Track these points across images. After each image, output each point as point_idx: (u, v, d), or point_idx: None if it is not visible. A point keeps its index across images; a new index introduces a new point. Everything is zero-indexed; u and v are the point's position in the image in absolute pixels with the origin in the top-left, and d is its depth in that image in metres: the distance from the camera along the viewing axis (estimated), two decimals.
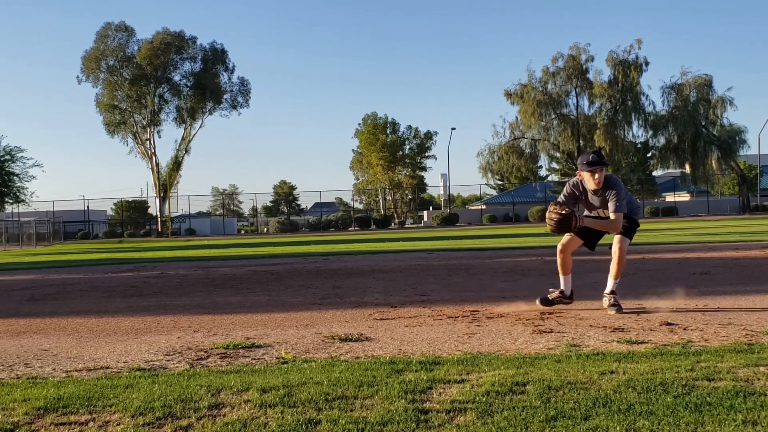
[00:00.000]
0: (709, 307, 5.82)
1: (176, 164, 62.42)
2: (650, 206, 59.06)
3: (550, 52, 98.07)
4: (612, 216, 5.64)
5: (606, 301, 5.76)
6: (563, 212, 5.60)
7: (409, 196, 73.00)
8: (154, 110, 61.23)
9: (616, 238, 5.72)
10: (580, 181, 5.80)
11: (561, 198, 5.89)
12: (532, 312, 5.87)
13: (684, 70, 55.93)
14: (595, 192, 5.72)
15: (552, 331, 4.91)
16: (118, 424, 2.92)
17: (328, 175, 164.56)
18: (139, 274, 12.35)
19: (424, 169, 71.89)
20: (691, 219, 44.71)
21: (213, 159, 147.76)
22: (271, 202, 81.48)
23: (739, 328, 4.78)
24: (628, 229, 5.80)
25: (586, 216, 5.89)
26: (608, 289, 5.77)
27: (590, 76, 55.04)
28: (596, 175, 5.61)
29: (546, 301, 5.95)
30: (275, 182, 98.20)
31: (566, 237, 5.90)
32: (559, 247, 5.97)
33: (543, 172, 72.34)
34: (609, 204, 5.66)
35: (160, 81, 61.09)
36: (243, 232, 71.14)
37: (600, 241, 6.10)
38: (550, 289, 6.03)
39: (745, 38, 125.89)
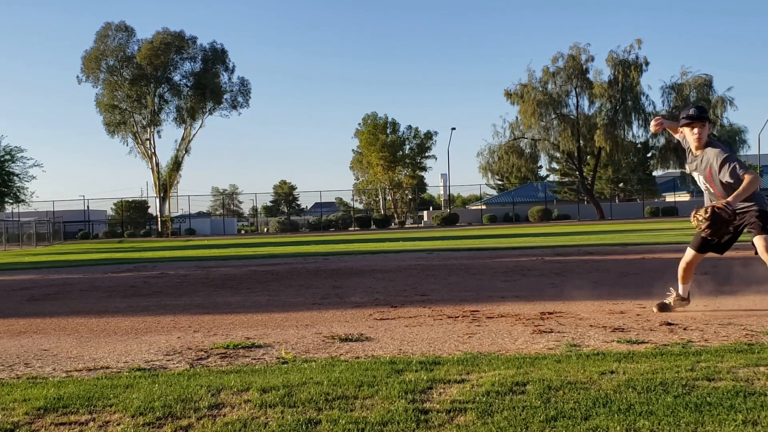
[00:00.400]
0: (709, 307, 5.82)
1: (176, 164, 62.44)
2: (650, 206, 59.08)
3: (550, 52, 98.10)
4: (744, 179, 4.85)
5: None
6: (709, 213, 4.96)
7: (409, 196, 73.01)
8: (154, 110, 61.24)
9: (759, 239, 5.13)
10: (683, 138, 5.25)
11: (688, 157, 5.26)
12: (532, 312, 5.87)
13: (684, 70, 55.98)
14: (695, 154, 5.14)
15: (552, 331, 4.91)
16: (118, 424, 2.92)
17: (328, 175, 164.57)
18: (139, 274, 12.35)
19: (424, 169, 71.94)
20: None
21: (213, 159, 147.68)
22: (271, 202, 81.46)
23: (739, 328, 4.78)
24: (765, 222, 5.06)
25: (728, 199, 4.95)
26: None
27: (590, 76, 55.11)
28: (695, 130, 5.05)
29: (664, 307, 5.59)
30: (275, 182, 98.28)
31: (692, 254, 5.43)
32: (684, 265, 5.52)
33: (543, 172, 72.48)
34: (722, 171, 4.95)
35: (160, 81, 61.10)
36: (243, 232, 71.13)
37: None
38: (668, 293, 5.72)
39: (745, 38, 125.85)
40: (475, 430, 2.69)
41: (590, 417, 2.77)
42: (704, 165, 5.12)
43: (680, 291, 5.52)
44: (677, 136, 5.47)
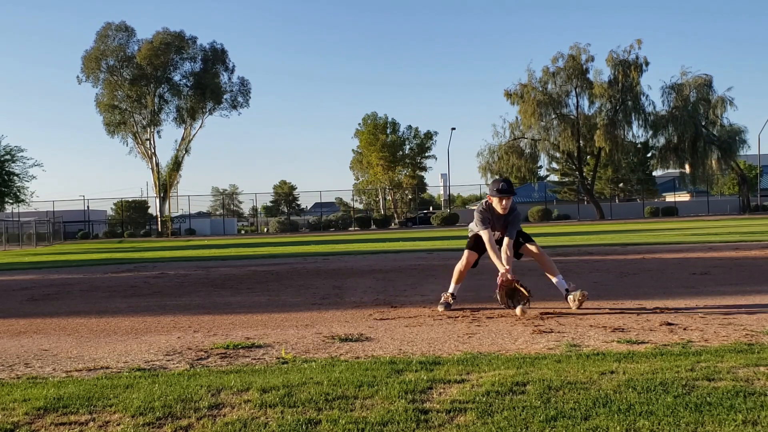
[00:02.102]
0: (709, 307, 5.82)
1: (176, 164, 62.43)
2: (650, 206, 59.07)
3: (550, 52, 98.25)
4: (505, 240, 6.18)
5: (571, 298, 5.95)
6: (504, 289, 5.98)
7: (409, 196, 73.00)
8: (154, 110, 61.23)
9: (529, 245, 6.30)
10: (490, 204, 6.27)
11: (477, 225, 6.24)
12: (532, 312, 5.86)
13: (684, 70, 55.99)
14: (500, 216, 6.22)
15: (552, 331, 4.91)
16: (118, 424, 2.92)
17: (328, 175, 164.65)
18: (139, 274, 12.35)
19: (424, 169, 71.95)
20: (691, 219, 44.72)
21: (213, 159, 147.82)
22: (271, 202, 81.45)
23: (739, 328, 4.78)
24: (529, 236, 6.47)
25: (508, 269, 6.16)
26: (563, 289, 6.05)
27: (590, 76, 55.09)
28: (503, 202, 6.14)
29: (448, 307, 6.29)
30: (275, 182, 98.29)
31: (467, 255, 6.32)
32: (461, 267, 6.32)
33: (543, 172, 72.42)
34: (507, 229, 6.21)
35: (160, 81, 61.10)
36: (243, 232, 71.11)
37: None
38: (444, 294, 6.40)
39: (745, 38, 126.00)
40: (475, 430, 2.69)
41: (590, 417, 2.77)
42: (504, 224, 6.28)
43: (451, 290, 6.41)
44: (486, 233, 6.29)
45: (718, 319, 5.20)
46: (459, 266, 6.33)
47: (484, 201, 6.40)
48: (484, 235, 6.17)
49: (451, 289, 6.37)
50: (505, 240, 6.16)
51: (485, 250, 6.24)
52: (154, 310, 7.06)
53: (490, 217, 6.27)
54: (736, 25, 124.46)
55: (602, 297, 6.66)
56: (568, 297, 5.95)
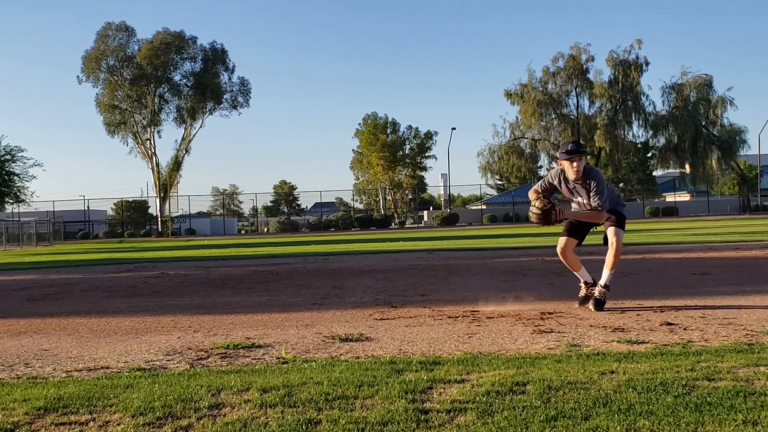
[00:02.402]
0: (709, 307, 5.81)
1: (176, 164, 62.43)
2: (650, 206, 59.06)
3: (551, 52, 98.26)
4: (593, 205, 5.73)
5: (596, 293, 5.79)
6: (543, 207, 5.77)
7: (410, 196, 73.01)
8: (154, 110, 61.24)
9: (611, 230, 5.76)
10: (561, 170, 5.84)
11: (538, 187, 5.96)
12: (532, 312, 5.87)
13: (684, 70, 56.05)
14: (576, 181, 5.77)
15: (552, 331, 4.91)
16: (118, 424, 2.92)
17: (328, 175, 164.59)
18: (139, 274, 12.35)
19: (424, 169, 71.98)
20: (691, 219, 44.71)
21: (213, 159, 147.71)
22: (271, 202, 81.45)
23: (740, 328, 4.78)
24: (619, 221, 5.87)
25: (569, 210, 5.99)
26: (603, 281, 5.79)
27: (590, 76, 55.14)
28: (575, 164, 5.65)
29: (585, 300, 5.95)
30: (275, 182, 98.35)
31: (562, 241, 5.98)
32: (558, 251, 6.02)
33: (543, 172, 72.34)
34: (591, 196, 5.74)
35: (160, 81, 61.10)
36: (243, 232, 71.11)
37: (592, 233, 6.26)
38: (580, 285, 6.06)
39: (745, 38, 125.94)
40: (475, 430, 2.69)
41: (590, 417, 2.77)
42: (585, 191, 5.83)
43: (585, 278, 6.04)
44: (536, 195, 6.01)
45: (718, 319, 5.20)
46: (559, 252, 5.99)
47: (558, 168, 5.96)
48: (531, 193, 5.92)
49: (581, 279, 6.01)
50: (594, 205, 5.69)
51: (580, 230, 5.95)
52: (154, 310, 7.06)
53: (559, 187, 5.86)
54: (736, 25, 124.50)
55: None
56: (596, 289, 5.81)
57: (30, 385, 3.72)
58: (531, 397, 3.04)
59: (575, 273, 6.02)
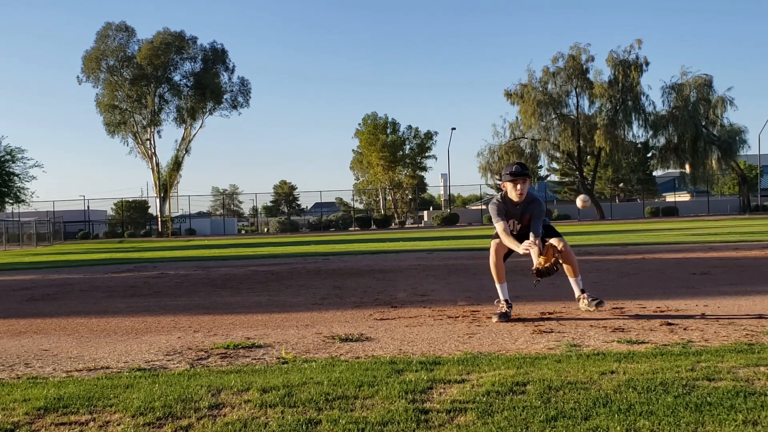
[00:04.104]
0: (709, 307, 5.81)
1: (176, 164, 62.42)
2: (650, 206, 59.06)
3: (551, 52, 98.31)
4: (530, 237, 5.53)
5: (583, 302, 5.55)
6: (545, 265, 5.45)
7: (410, 196, 72.98)
8: (154, 110, 61.23)
9: (554, 240, 5.59)
10: (505, 194, 5.74)
11: (493, 218, 5.76)
12: (532, 312, 5.87)
13: (684, 70, 55.98)
14: (516, 204, 5.69)
15: (552, 331, 4.91)
16: (118, 424, 2.92)
17: (328, 175, 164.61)
18: (139, 274, 12.35)
19: (424, 169, 71.91)
20: (691, 219, 44.71)
21: (213, 159, 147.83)
22: (271, 202, 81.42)
23: (740, 328, 4.78)
24: (556, 231, 5.83)
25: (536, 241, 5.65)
26: (577, 291, 5.64)
27: (590, 76, 55.08)
28: (518, 186, 5.60)
29: (504, 317, 5.55)
30: (275, 182, 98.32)
31: (496, 243, 5.74)
32: (492, 252, 5.74)
33: (543, 172, 72.41)
34: (531, 222, 5.62)
35: (160, 81, 61.09)
36: (243, 232, 71.11)
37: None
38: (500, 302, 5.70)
39: (745, 38, 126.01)
40: (475, 430, 2.69)
41: (590, 417, 2.77)
42: (523, 214, 5.74)
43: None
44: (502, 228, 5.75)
45: (718, 319, 5.20)
46: (490, 260, 5.74)
47: (499, 193, 5.87)
48: (498, 226, 5.64)
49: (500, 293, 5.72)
50: (531, 237, 5.50)
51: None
52: (154, 310, 7.06)
53: (505, 208, 5.71)
54: (736, 25, 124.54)
55: (602, 297, 6.65)
56: (581, 300, 5.58)
57: (30, 385, 3.72)
58: (531, 397, 3.04)
59: (498, 284, 5.70)
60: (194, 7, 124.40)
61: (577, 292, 5.65)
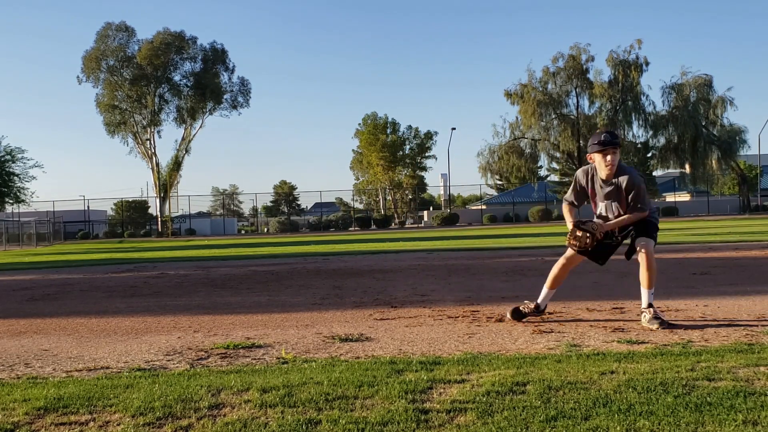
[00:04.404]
0: (709, 307, 5.81)
1: (176, 164, 62.44)
2: None
3: (551, 52, 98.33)
4: (630, 214, 4.91)
5: (645, 317, 4.97)
6: (582, 238, 5.01)
7: (410, 196, 72.99)
8: (154, 110, 61.24)
9: (639, 242, 4.98)
10: (592, 166, 5.07)
11: (570, 196, 5.25)
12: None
13: (684, 70, 55.99)
14: (606, 181, 4.98)
15: (552, 331, 4.91)
16: (118, 424, 2.92)
17: (328, 175, 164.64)
18: (139, 275, 12.35)
19: (424, 169, 71.94)
20: (691, 219, 44.71)
21: (213, 159, 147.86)
22: (271, 202, 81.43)
23: (739, 328, 4.78)
24: (650, 229, 5.07)
25: (606, 223, 5.08)
26: (644, 303, 5.02)
27: (590, 76, 55.10)
28: (608, 157, 4.87)
29: (518, 314, 5.33)
30: (275, 182, 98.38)
31: (569, 254, 5.21)
32: (561, 260, 5.26)
33: (543, 172, 72.42)
34: (629, 198, 4.93)
35: (160, 81, 61.12)
36: (243, 232, 71.12)
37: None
38: (526, 302, 5.44)
39: (745, 38, 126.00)
40: (475, 430, 2.69)
41: (590, 417, 2.77)
42: (616, 192, 5.03)
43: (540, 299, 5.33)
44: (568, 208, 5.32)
45: (718, 320, 5.19)
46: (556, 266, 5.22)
47: (588, 165, 5.13)
48: (564, 208, 5.16)
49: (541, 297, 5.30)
50: (610, 221, 4.85)
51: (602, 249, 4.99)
52: (154, 310, 7.06)
53: (591, 187, 5.02)
54: (736, 25, 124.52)
55: (602, 297, 6.66)
56: (644, 314, 5.01)
57: (30, 385, 3.72)
58: (531, 397, 3.04)
59: (545, 288, 5.30)
60: (194, 7, 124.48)
61: (644, 304, 5.02)
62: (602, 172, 4.98)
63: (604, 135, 4.93)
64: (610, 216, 5.10)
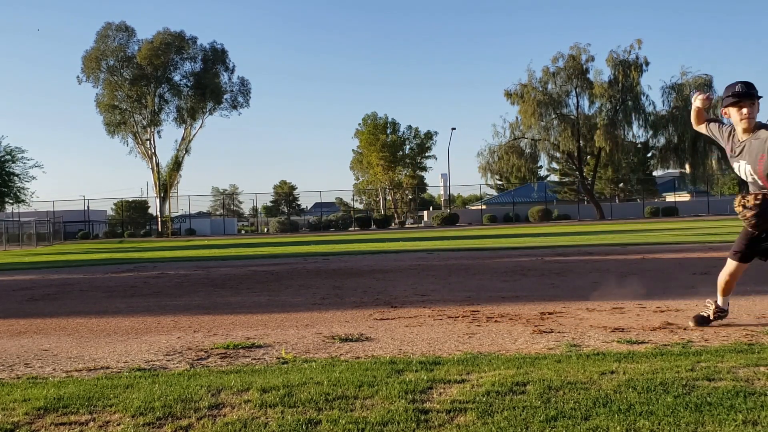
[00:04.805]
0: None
1: (176, 164, 62.45)
2: (650, 206, 59.08)
3: (551, 52, 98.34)
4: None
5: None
6: (759, 200, 4.33)
7: (410, 196, 72.99)
8: (154, 110, 61.25)
9: None
10: (727, 126, 4.54)
11: (714, 122, 4.66)
12: (532, 312, 5.87)
13: (684, 70, 55.97)
14: (743, 141, 4.41)
15: (552, 331, 4.91)
16: (118, 424, 2.92)
17: (328, 175, 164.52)
18: (139, 274, 12.35)
19: (424, 169, 71.94)
20: (691, 219, 44.71)
21: (213, 159, 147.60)
22: (271, 202, 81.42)
23: (739, 328, 4.78)
24: None
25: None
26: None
27: (590, 76, 55.08)
28: (744, 110, 4.30)
29: (703, 320, 4.90)
30: (275, 182, 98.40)
31: (732, 265, 4.79)
32: (725, 276, 4.85)
33: (543, 172, 72.46)
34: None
35: (160, 81, 61.12)
36: (243, 232, 71.11)
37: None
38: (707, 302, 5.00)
39: (745, 38, 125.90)
40: (475, 430, 2.69)
41: (590, 417, 2.77)
42: (756, 151, 4.36)
43: (719, 303, 4.90)
44: (705, 130, 4.77)
45: (718, 320, 5.19)
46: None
47: (728, 125, 4.60)
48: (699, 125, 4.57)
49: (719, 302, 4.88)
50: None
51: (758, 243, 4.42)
52: (154, 310, 7.06)
53: (727, 144, 4.48)
54: (736, 25, 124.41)
55: (602, 297, 6.66)
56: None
57: (30, 385, 3.72)
58: (531, 397, 3.04)
59: (720, 295, 4.86)
60: (194, 7, 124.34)
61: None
62: (738, 127, 4.42)
63: (739, 85, 4.37)
64: (749, 181, 4.50)
